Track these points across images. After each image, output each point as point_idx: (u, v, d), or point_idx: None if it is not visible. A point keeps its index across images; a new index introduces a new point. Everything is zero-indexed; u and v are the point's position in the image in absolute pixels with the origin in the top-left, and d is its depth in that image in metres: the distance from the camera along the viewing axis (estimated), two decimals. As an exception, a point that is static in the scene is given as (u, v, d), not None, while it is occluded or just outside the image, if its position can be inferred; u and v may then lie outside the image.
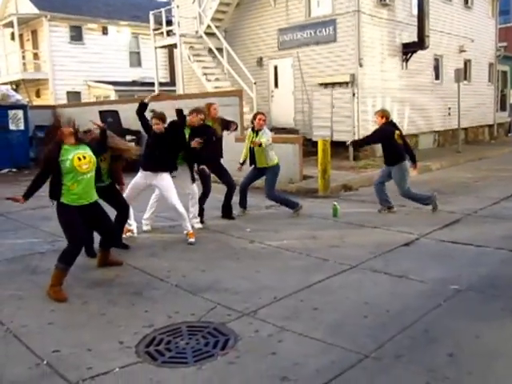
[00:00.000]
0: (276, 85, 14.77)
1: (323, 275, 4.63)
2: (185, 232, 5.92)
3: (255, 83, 13.46)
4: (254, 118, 7.10)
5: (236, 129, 7.46)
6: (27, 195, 4.30)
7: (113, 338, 3.48)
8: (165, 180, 5.85)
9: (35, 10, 20.43)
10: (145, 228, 6.44)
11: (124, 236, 5.96)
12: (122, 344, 3.40)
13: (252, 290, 4.34)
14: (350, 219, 6.86)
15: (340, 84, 12.93)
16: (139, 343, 3.41)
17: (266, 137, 6.87)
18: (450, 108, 16.14)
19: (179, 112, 6.06)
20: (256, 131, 6.98)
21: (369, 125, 13.09)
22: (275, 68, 14.68)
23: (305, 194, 8.76)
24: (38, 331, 3.66)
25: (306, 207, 7.34)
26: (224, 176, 7.01)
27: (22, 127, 14.56)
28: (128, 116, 12.72)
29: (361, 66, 12.63)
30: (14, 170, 14.01)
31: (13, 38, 21.43)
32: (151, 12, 15.47)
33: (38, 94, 22.55)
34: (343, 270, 4.79)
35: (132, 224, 6.19)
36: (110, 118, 13.23)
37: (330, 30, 13.02)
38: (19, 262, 5.31)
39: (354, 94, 12.66)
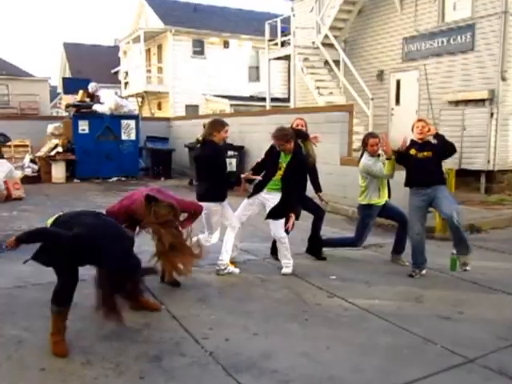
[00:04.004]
0: (397, 101, 13.06)
1: (420, 370, 3.11)
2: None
3: (372, 99, 11.96)
4: (366, 143, 5.45)
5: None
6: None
7: None
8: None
9: (161, 25, 21.14)
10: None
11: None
12: None
13: (310, 379, 3.02)
14: (475, 276, 5.10)
15: (475, 102, 10.86)
16: None
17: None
18: None
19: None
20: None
21: (509, 152, 10.82)
22: (397, 82, 12.99)
23: (417, 233, 7.07)
24: (8, 401, 2.76)
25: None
26: (309, 204, 5.69)
27: (133, 137, 14.68)
28: (233, 130, 12.10)
29: (504, 79, 10.45)
30: (123, 178, 14.17)
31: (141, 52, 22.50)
32: (267, 22, 14.81)
33: (159, 107, 23.35)
34: (453, 364, 3.21)
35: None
36: (214, 131, 12.78)
37: (467, 37, 11.03)
38: (48, 288, 4.53)
39: (492, 115, 10.52)
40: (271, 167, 5.19)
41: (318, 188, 5.79)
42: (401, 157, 5.15)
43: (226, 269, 5.06)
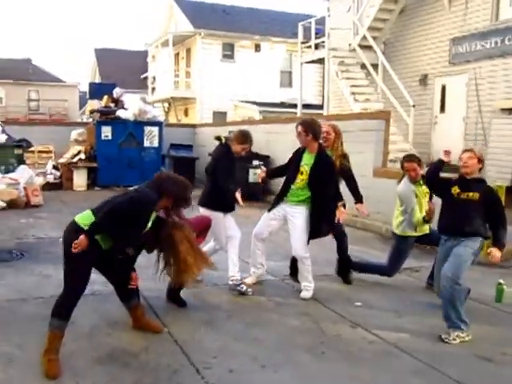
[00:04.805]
0: (442, 109, 12.65)
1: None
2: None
3: (414, 106, 11.61)
4: (402, 166, 5.05)
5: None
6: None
7: None
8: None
9: (191, 28, 21.34)
10: (248, 280, 5.14)
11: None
12: None
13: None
14: (524, 310, 4.70)
15: (532, 109, 10.39)
16: None
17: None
18: None
19: None
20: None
21: None
22: (443, 88, 12.60)
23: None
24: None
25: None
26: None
27: (155, 144, 14.60)
28: (259, 138, 11.95)
29: None
30: (143, 187, 14.19)
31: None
32: (300, 23, 14.68)
33: (186, 113, 23.51)
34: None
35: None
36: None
37: (525, 36, 10.59)
38: (49, 303, 4.41)
39: (551, 124, 10.01)
40: (291, 170, 4.95)
41: (358, 197, 5.40)
42: (435, 184, 4.46)
43: (239, 285, 4.86)
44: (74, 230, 3.41)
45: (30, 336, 3.77)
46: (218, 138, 5.09)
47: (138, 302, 4.00)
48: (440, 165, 4.41)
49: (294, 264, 5.29)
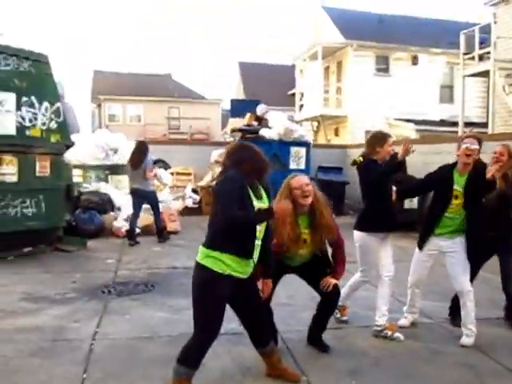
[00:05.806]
0: None
1: None
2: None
3: None
4: None
5: None
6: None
7: None
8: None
9: (342, 39, 21.49)
10: (401, 322, 5.10)
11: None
12: None
13: None
14: None
15: None
16: None
17: None
18: None
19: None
20: None
21: None
22: None
23: None
24: None
25: None
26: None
27: (302, 167, 14.26)
28: (415, 160, 11.57)
29: None
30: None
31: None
32: (462, 32, 14.07)
33: (336, 132, 23.53)
34: None
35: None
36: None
37: None
38: (177, 343, 3.80)
39: None
40: (441, 194, 4.68)
41: None
42: None
43: (382, 331, 4.77)
44: (196, 268, 3.34)
45: (154, 380, 3.74)
46: (355, 162, 4.91)
47: (273, 346, 3.85)
48: None
49: (454, 304, 5.08)
